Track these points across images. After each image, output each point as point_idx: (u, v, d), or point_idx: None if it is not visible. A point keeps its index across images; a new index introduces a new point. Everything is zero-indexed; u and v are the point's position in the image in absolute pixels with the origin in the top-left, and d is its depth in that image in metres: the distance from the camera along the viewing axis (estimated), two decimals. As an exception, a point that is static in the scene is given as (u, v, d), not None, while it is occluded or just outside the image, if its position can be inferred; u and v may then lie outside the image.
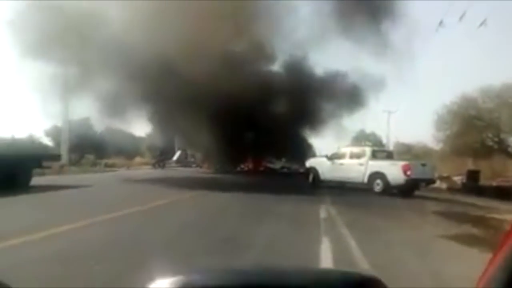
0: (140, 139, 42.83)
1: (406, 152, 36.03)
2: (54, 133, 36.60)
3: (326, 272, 0.89)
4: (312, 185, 16.84)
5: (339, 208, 9.49)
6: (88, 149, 35.12)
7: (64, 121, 29.29)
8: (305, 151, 28.73)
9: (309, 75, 26.07)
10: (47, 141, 36.70)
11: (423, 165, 15.27)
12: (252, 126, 24.20)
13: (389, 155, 17.18)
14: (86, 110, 27.74)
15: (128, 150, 38.09)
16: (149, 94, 21.57)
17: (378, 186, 14.79)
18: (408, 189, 14.54)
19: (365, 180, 15.30)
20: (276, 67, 27.88)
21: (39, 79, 20.40)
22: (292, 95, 24.74)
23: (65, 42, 19.08)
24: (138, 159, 36.85)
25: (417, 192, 14.79)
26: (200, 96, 19.79)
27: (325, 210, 9.22)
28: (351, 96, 26.73)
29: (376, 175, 14.94)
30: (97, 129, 38.44)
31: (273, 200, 10.86)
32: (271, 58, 26.42)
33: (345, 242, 5.83)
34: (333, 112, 27.65)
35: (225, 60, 19.94)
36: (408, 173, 14.13)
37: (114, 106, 22.92)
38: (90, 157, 32.87)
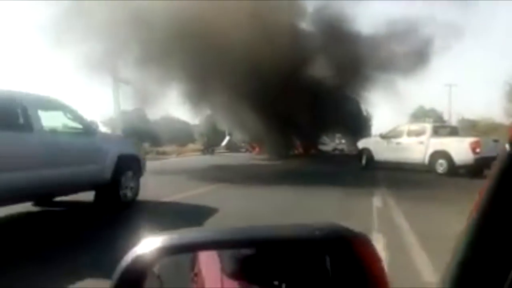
0: (194, 126, 43.25)
1: (470, 128, 33.06)
2: (110, 124, 37.77)
3: (306, 225, 0.72)
4: (364, 168, 15.40)
5: (398, 197, 8.15)
6: (143, 138, 36.04)
7: (115, 111, 30.00)
8: (362, 125, 26.53)
9: (362, 36, 23.66)
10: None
11: (495, 141, 13.31)
12: (300, 104, 22.81)
13: (453, 131, 15.32)
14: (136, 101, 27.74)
15: (181, 138, 38.63)
16: (197, 79, 20.99)
17: (441, 167, 13.11)
18: (477, 170, 12.76)
19: (426, 160, 13.67)
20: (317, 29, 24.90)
21: (88, 64, 20.25)
22: (342, 63, 22.56)
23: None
24: (190, 146, 37.20)
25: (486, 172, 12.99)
26: (246, 76, 18.91)
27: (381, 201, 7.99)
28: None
29: (439, 154, 13.25)
30: (151, 118, 39.44)
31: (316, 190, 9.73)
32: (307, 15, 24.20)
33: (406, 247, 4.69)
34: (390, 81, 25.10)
35: (274, 35, 18.82)
36: (478, 150, 12.32)
37: (167, 95, 22.83)
38: (145, 145, 33.56)
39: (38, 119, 5.73)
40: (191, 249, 0.76)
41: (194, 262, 0.81)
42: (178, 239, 0.72)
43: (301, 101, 22.14)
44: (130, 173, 7.30)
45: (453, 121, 36.05)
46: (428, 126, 14.78)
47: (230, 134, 34.14)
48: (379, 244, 4.54)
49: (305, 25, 24.84)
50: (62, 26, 18.91)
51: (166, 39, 18.46)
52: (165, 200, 7.76)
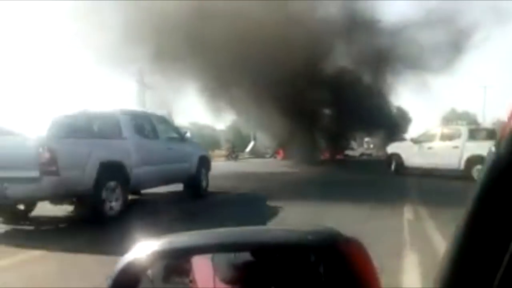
0: (220, 131, 43.21)
1: (505, 132, 31.18)
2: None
3: (298, 230, 0.76)
4: (394, 175, 14.45)
5: (431, 208, 7.31)
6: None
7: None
8: (394, 126, 24.51)
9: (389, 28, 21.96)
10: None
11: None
12: (325, 101, 21.79)
13: (491, 135, 14.17)
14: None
15: (207, 143, 38.63)
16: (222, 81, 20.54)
17: (479, 173, 12.05)
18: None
19: (462, 166, 12.67)
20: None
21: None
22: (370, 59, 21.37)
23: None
24: (216, 152, 37.06)
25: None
26: (269, 75, 18.31)
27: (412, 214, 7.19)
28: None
29: (476, 159, 12.15)
30: (178, 123, 39.81)
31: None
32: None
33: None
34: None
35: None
36: (520, 155, 11.25)
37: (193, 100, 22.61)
38: None
39: (160, 130, 8.57)
40: (183, 253, 0.77)
41: (187, 267, 0.80)
42: (171, 243, 0.74)
43: (325, 98, 21.24)
44: (203, 170, 9.76)
45: (488, 124, 34.19)
46: (463, 129, 13.77)
47: (255, 139, 33.67)
48: (413, 266, 3.85)
49: (328, 13, 22.33)
50: (85, 25, 18.90)
51: (186, 40, 18.17)
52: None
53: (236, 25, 17.53)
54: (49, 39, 38.49)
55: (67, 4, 19.51)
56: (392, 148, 15.82)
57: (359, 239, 0.68)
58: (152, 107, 27.91)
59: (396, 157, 15.06)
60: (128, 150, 7.21)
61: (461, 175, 12.39)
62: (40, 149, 5.66)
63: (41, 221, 6.84)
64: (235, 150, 30.26)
